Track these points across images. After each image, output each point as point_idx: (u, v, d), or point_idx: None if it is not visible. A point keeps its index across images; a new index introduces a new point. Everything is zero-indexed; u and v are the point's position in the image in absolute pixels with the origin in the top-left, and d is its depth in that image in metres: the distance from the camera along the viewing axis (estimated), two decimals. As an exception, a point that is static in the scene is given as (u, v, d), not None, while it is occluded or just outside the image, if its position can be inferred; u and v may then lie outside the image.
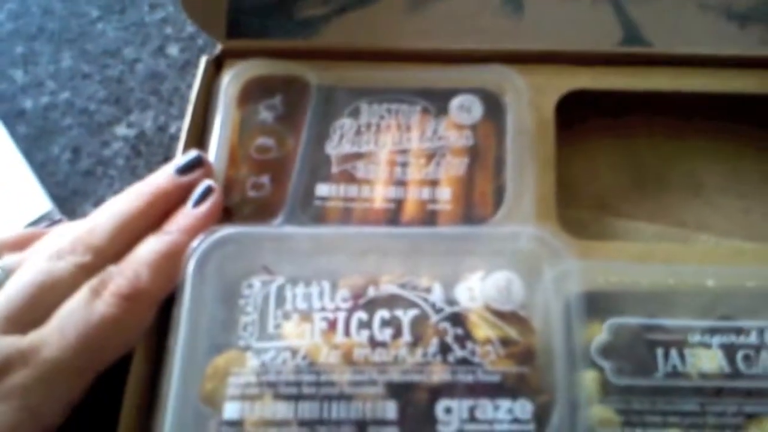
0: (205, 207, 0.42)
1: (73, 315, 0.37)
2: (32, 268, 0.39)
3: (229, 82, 0.48)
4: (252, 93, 0.48)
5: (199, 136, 0.46)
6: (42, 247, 0.40)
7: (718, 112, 0.48)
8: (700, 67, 0.47)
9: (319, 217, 0.44)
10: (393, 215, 0.44)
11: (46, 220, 0.50)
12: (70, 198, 0.52)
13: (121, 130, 0.54)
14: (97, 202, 0.51)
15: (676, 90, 0.47)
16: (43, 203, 0.50)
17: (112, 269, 0.39)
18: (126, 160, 0.53)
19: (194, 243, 0.40)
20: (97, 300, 0.37)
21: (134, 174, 0.52)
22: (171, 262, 0.39)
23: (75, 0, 0.61)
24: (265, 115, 0.47)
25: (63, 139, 0.54)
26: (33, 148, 0.54)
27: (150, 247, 0.40)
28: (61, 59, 0.58)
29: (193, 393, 0.37)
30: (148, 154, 0.53)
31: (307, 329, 0.38)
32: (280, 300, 0.39)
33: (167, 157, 0.51)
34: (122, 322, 0.38)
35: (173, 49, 0.58)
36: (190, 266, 0.40)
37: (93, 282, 0.38)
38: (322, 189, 0.44)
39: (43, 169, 0.53)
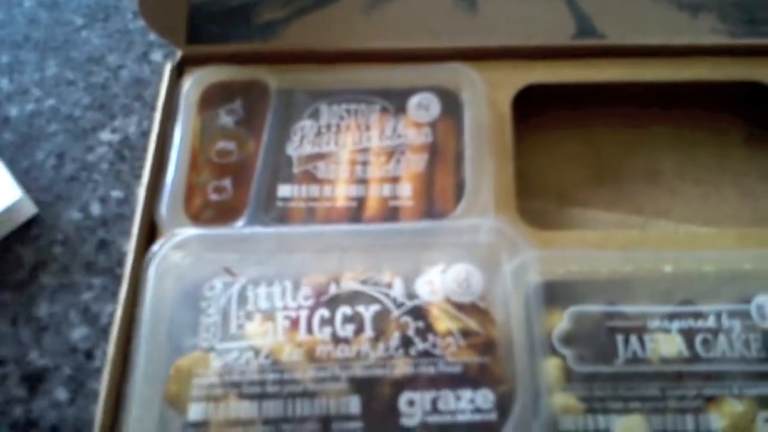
0: None
1: None
2: None
3: (190, 88, 0.48)
4: (212, 98, 0.48)
5: (164, 143, 0.46)
6: None
7: (674, 101, 0.49)
8: (653, 57, 0.47)
9: (283, 217, 0.44)
10: (355, 213, 0.44)
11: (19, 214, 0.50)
12: (54, 203, 0.52)
13: (105, 135, 0.54)
14: (82, 207, 0.51)
15: (632, 80, 0.47)
16: (13, 192, 0.50)
17: None
18: (110, 165, 0.53)
19: (155, 246, 0.40)
20: None
21: (118, 178, 0.52)
22: None
23: (60, 8, 0.61)
24: (226, 119, 0.47)
25: (48, 145, 0.54)
26: (18, 154, 0.54)
27: None
28: (46, 67, 0.58)
29: (157, 395, 0.37)
30: (132, 158, 0.54)
31: (269, 328, 0.38)
32: (243, 300, 0.39)
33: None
34: None
35: (157, 55, 0.58)
36: (151, 269, 0.40)
37: None
38: (285, 190, 0.45)
39: (27, 175, 0.53)
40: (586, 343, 0.38)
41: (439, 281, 0.39)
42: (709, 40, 0.47)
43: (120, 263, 0.49)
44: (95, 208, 0.51)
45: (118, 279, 0.47)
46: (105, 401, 0.38)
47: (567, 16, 0.48)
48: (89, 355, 0.46)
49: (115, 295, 0.47)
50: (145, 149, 0.51)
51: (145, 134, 0.54)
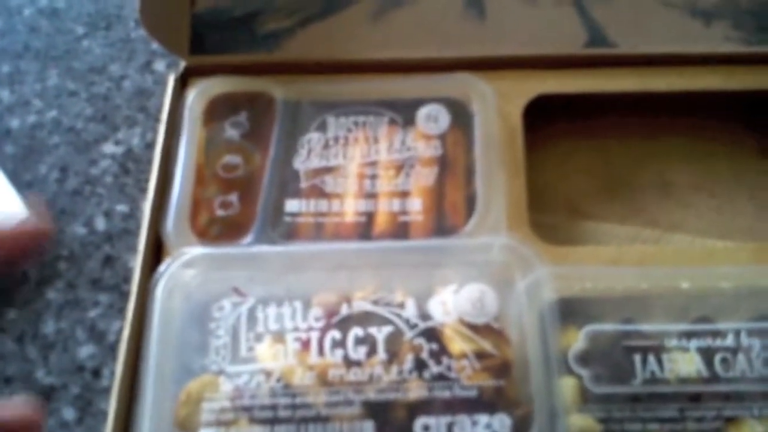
0: None
1: None
2: None
3: (194, 100, 0.47)
4: (217, 110, 0.47)
5: (168, 156, 0.45)
6: None
7: (686, 110, 0.48)
8: (666, 66, 0.47)
9: (290, 233, 0.43)
10: (364, 228, 0.43)
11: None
12: (58, 218, 0.51)
13: (108, 147, 0.54)
14: (87, 222, 0.50)
15: (644, 90, 0.46)
16: (20, 211, 0.49)
17: None
18: (114, 178, 0.52)
19: (162, 266, 0.40)
20: None
21: (123, 192, 0.52)
22: None
23: (60, 17, 0.60)
24: (231, 132, 0.47)
25: (50, 158, 0.54)
26: (20, 167, 0.53)
27: None
28: (48, 77, 0.57)
29: (167, 417, 0.37)
30: (136, 171, 0.53)
31: (280, 350, 0.38)
32: (252, 321, 0.39)
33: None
34: None
35: (160, 65, 0.58)
36: (159, 289, 0.39)
37: None
38: (292, 205, 0.44)
39: (30, 189, 0.52)
40: (602, 363, 0.37)
41: (452, 302, 0.38)
42: (722, 48, 0.46)
43: (126, 279, 0.48)
44: (100, 223, 0.50)
45: (124, 295, 0.47)
46: (114, 423, 0.37)
47: (578, 25, 0.47)
48: (96, 373, 0.46)
49: (121, 311, 0.47)
50: (149, 162, 0.50)
51: (149, 146, 0.53)
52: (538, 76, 0.47)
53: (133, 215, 0.51)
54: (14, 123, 0.55)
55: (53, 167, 0.53)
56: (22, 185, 0.52)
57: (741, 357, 0.37)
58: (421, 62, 0.47)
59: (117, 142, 0.54)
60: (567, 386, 0.37)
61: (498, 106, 0.46)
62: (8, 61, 0.58)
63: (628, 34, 0.47)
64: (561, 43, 0.47)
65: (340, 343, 0.38)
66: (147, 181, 0.44)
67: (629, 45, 0.47)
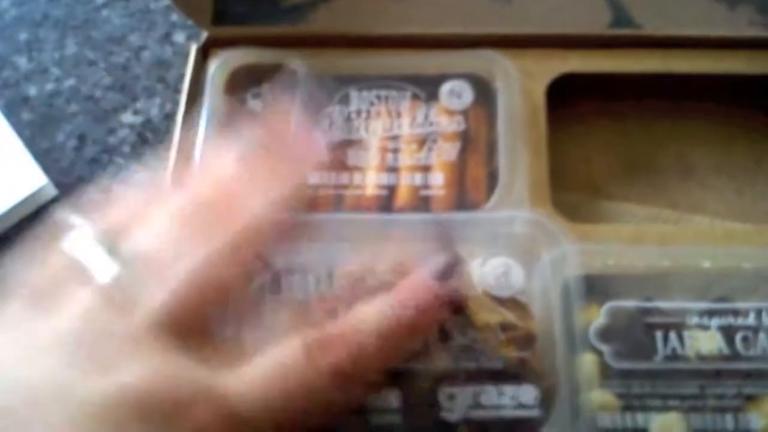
0: (452, 285, 0.33)
1: (282, 374, 0.30)
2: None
3: (216, 71, 0.47)
4: (239, 81, 0.47)
5: (190, 126, 0.45)
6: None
7: (709, 94, 0.48)
8: (689, 49, 0.47)
9: (311, 205, 0.43)
10: (385, 202, 0.43)
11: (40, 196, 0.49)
12: (75, 185, 0.51)
13: (127, 117, 0.54)
14: (103, 190, 0.50)
15: (667, 72, 0.47)
16: (38, 178, 0.49)
17: (331, 331, 0.31)
18: (132, 148, 0.52)
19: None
20: (310, 367, 0.30)
21: (140, 161, 0.52)
22: (400, 343, 0.33)
23: (80, -14, 0.60)
24: (253, 103, 0.47)
25: (68, 126, 0.53)
26: (38, 135, 0.53)
27: (381, 317, 0.32)
28: (66, 46, 0.57)
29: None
30: (154, 141, 0.53)
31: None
32: (275, 290, 0.39)
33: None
34: (332, 401, 0.31)
35: (179, 37, 0.57)
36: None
37: (309, 340, 0.30)
38: (313, 177, 0.44)
39: (47, 156, 0.52)
40: (623, 339, 0.38)
41: (478, 274, 0.38)
42: (746, 32, 0.47)
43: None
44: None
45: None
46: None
47: (603, 5, 0.47)
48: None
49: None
50: (167, 132, 0.50)
51: (168, 117, 0.53)
52: (562, 56, 0.47)
53: (151, 185, 0.50)
54: (32, 90, 0.55)
55: (71, 135, 0.53)
56: (39, 152, 0.52)
57: (762, 336, 0.38)
58: (444, 38, 0.48)
59: (135, 112, 0.54)
60: (587, 362, 0.37)
61: (521, 84, 0.46)
62: (27, 29, 0.58)
63: (653, 16, 0.47)
64: (585, 23, 0.47)
65: (365, 313, 0.38)
66: (165, 151, 0.44)
67: (653, 26, 0.47)
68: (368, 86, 0.47)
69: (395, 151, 0.45)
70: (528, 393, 0.36)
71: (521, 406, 0.36)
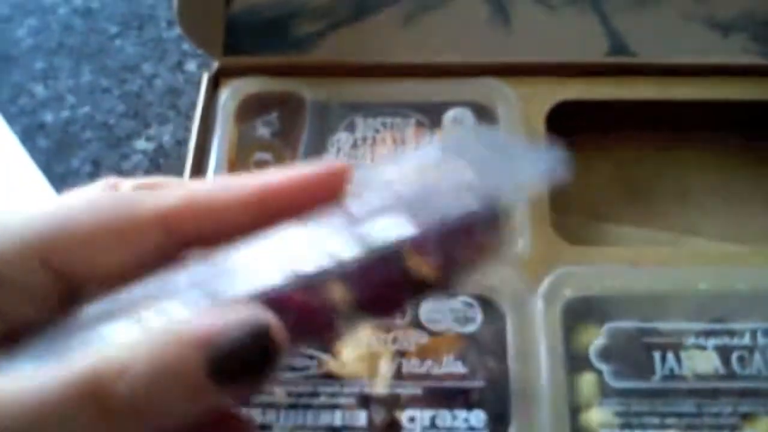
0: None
1: None
2: None
3: (227, 99, 0.48)
4: (249, 109, 0.49)
5: (201, 153, 0.47)
6: None
7: (704, 120, 0.49)
8: (685, 76, 0.48)
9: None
10: (391, 227, 0.44)
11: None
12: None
13: (140, 143, 0.55)
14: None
15: (663, 98, 0.48)
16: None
17: None
18: (145, 173, 0.54)
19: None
20: None
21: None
22: None
23: (94, 16, 0.62)
24: (263, 131, 0.48)
25: (83, 153, 0.55)
26: (53, 161, 0.55)
27: None
28: (81, 74, 0.59)
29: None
30: (166, 167, 0.54)
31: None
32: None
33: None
34: None
35: (191, 65, 0.59)
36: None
37: None
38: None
39: (63, 182, 0.53)
40: (623, 359, 0.39)
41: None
42: (740, 59, 0.48)
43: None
44: (131, 216, 0.52)
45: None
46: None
47: (600, 33, 0.49)
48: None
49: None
50: (179, 157, 0.52)
51: (180, 143, 0.54)
52: (561, 83, 0.48)
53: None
54: (48, 117, 0.56)
55: (85, 161, 0.54)
56: (54, 178, 0.53)
57: (757, 356, 0.39)
58: (448, 67, 0.49)
59: (148, 138, 0.55)
60: (587, 381, 0.38)
61: (522, 110, 0.47)
62: (42, 57, 0.59)
63: (649, 44, 0.48)
64: (583, 51, 0.49)
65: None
66: (177, 176, 0.46)
67: (649, 54, 0.48)
68: (374, 113, 0.48)
69: (400, 176, 0.46)
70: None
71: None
